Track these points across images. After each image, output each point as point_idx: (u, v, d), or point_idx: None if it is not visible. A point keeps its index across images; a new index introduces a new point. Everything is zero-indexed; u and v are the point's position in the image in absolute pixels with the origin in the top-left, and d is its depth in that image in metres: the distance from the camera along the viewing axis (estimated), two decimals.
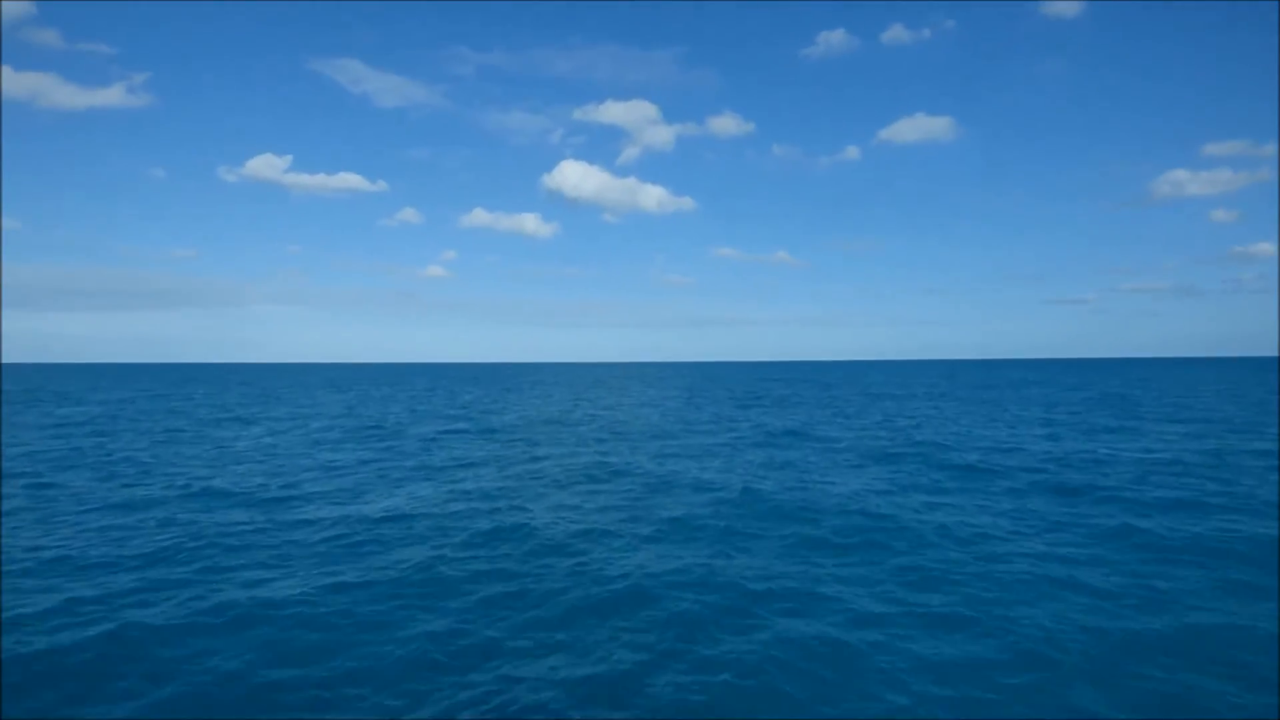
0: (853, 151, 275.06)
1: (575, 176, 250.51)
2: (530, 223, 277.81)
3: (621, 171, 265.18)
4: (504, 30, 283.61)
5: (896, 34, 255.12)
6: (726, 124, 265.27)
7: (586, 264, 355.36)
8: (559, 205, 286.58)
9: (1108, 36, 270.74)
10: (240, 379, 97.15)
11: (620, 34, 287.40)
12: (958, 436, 23.30)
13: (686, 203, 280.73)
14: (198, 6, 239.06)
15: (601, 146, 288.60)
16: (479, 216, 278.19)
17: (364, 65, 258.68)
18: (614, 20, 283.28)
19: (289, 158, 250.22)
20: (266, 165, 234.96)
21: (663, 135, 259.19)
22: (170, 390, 60.47)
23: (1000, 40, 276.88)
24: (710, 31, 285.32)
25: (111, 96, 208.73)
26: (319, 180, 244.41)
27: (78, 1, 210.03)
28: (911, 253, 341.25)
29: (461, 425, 28.27)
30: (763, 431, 25.19)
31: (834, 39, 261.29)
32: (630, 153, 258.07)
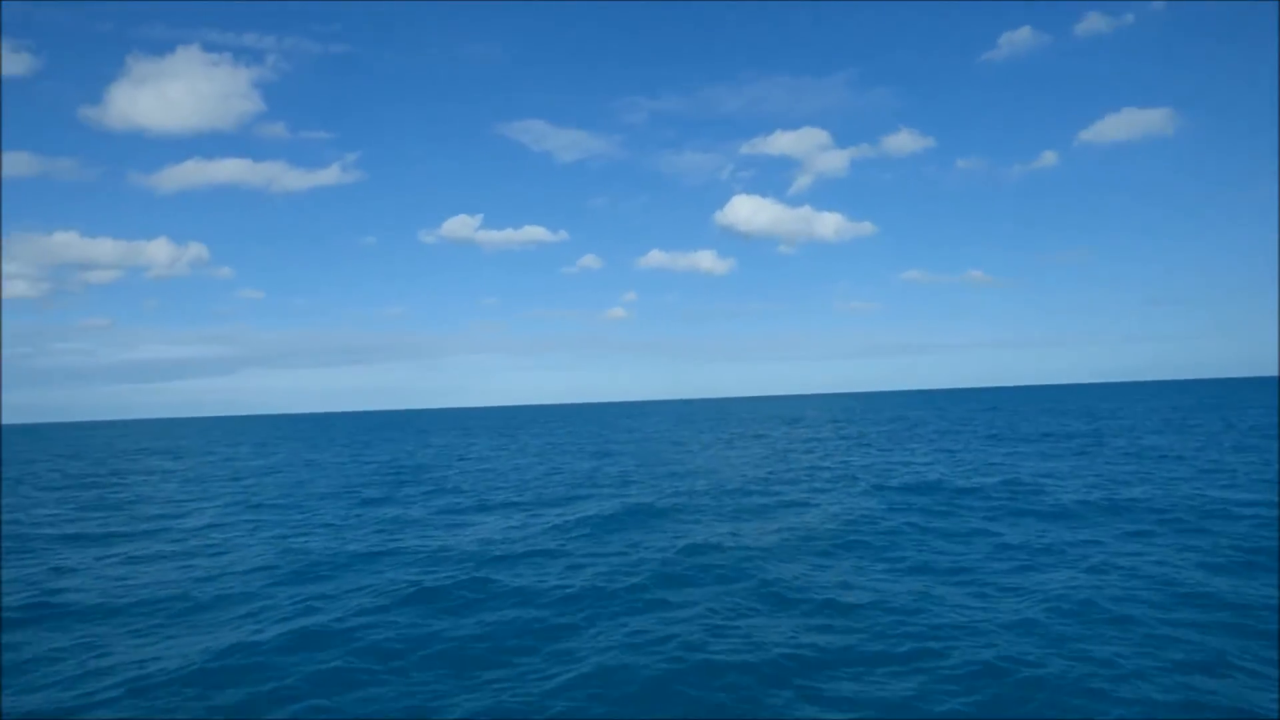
0: (1049, 157, 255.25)
1: (747, 211, 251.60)
2: (706, 260, 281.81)
3: (794, 201, 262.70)
4: (675, 75, 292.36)
5: (1092, 24, 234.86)
6: (903, 142, 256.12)
7: (765, 297, 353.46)
8: (733, 240, 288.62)
9: None
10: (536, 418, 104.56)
11: (790, 64, 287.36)
12: None
13: (865, 227, 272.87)
14: (401, 89, 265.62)
15: (772, 178, 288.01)
16: (655, 258, 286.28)
17: (546, 124, 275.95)
18: (784, 52, 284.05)
19: (480, 216, 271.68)
20: (460, 225, 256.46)
21: (835, 161, 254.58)
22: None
23: (1223, 17, 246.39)
24: (882, 50, 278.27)
25: (329, 176, 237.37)
26: (506, 235, 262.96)
27: (296, 96, 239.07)
28: (1130, 262, 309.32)
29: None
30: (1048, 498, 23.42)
31: (1019, 39, 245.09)
32: (802, 181, 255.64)
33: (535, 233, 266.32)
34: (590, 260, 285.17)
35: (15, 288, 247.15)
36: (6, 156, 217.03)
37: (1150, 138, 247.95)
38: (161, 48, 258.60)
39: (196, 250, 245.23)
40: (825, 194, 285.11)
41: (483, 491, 25.93)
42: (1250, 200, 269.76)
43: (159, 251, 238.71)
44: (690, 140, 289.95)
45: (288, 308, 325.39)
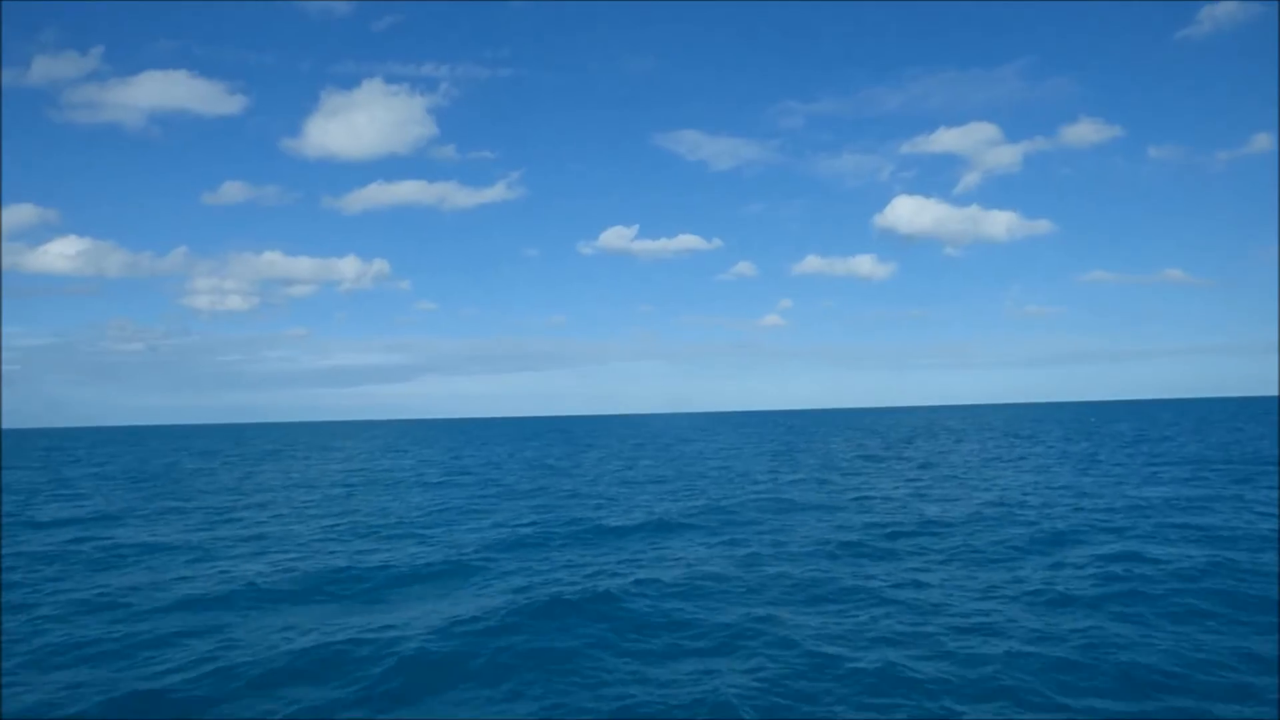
0: (1263, 141, 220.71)
1: (908, 212, 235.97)
2: (865, 265, 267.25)
3: (961, 201, 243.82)
4: (832, 76, 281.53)
5: None
6: (1084, 132, 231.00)
7: (930, 302, 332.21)
8: (894, 244, 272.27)
9: None
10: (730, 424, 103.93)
11: (957, 57, 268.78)
12: None
13: (1042, 225, 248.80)
14: (561, 106, 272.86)
15: (935, 177, 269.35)
16: (811, 264, 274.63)
17: (700, 133, 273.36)
18: (951, 44, 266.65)
19: (635, 227, 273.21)
20: (616, 236, 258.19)
21: (1006, 156, 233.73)
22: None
23: None
24: (1060, 35, 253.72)
25: (495, 194, 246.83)
26: (660, 244, 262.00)
27: (466, 119, 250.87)
28: None
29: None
30: None
31: (1221, 11, 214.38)
32: (969, 180, 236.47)
33: (689, 241, 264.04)
34: (744, 268, 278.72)
35: (231, 301, 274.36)
36: (225, 186, 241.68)
37: None
38: (349, 82, 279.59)
39: (380, 266, 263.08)
40: (995, 192, 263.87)
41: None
42: None
43: (348, 267, 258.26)
44: (849, 142, 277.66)
45: (458, 317, 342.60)
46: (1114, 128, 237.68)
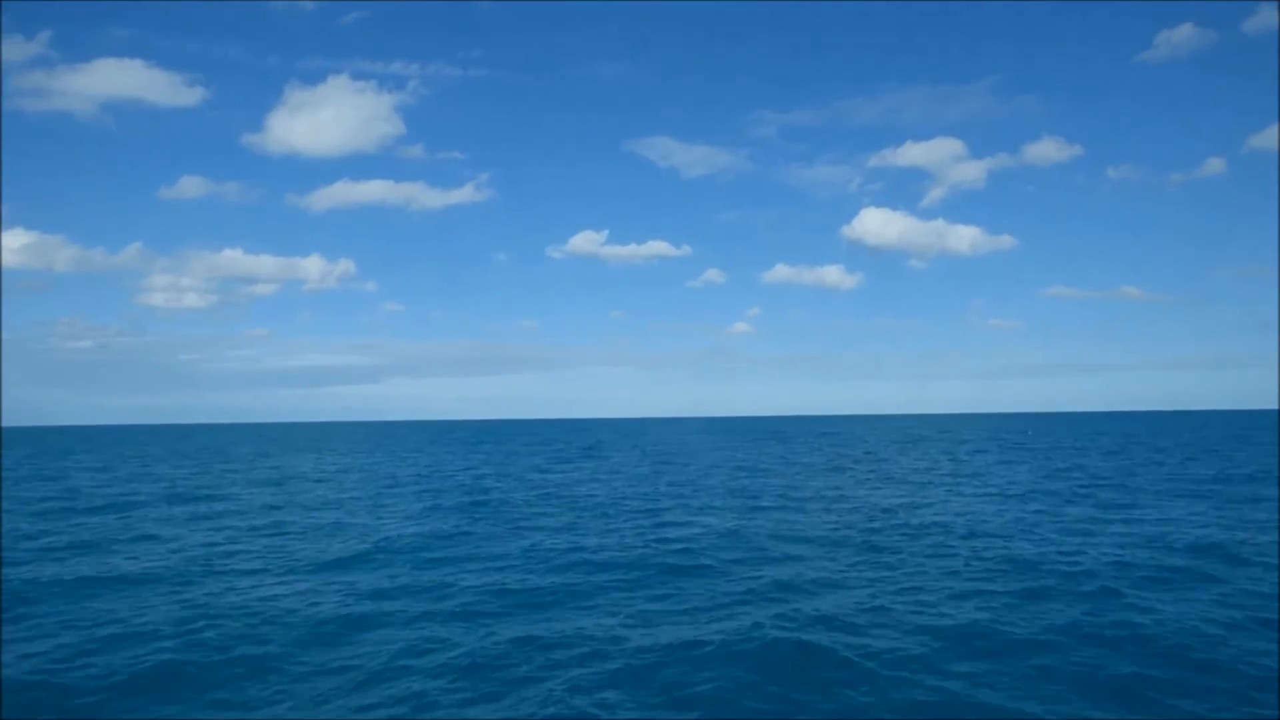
0: (1216, 164, 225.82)
1: (876, 224, 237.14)
2: (832, 275, 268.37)
3: (926, 214, 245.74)
4: (807, 88, 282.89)
5: (1264, 19, 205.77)
6: (1047, 150, 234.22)
7: (895, 313, 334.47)
8: (861, 255, 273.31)
9: None
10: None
11: (931, 72, 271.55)
12: None
13: (1005, 241, 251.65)
14: (533, 109, 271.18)
15: (902, 190, 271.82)
16: (781, 272, 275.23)
17: (673, 140, 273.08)
18: (926, 59, 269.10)
19: (605, 232, 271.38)
20: (586, 241, 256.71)
21: (971, 172, 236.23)
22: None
23: None
24: (1028, 55, 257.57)
25: (464, 195, 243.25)
26: (630, 250, 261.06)
27: (434, 119, 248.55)
28: None
29: None
30: None
31: (1177, 37, 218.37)
32: (935, 194, 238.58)
33: (659, 248, 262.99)
34: (714, 275, 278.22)
35: (189, 300, 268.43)
36: (183, 181, 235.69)
37: None
38: (315, 78, 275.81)
39: (345, 265, 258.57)
40: (960, 206, 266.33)
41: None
42: None
43: (312, 267, 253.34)
44: (820, 153, 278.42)
45: (427, 320, 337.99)
46: (1075, 147, 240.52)
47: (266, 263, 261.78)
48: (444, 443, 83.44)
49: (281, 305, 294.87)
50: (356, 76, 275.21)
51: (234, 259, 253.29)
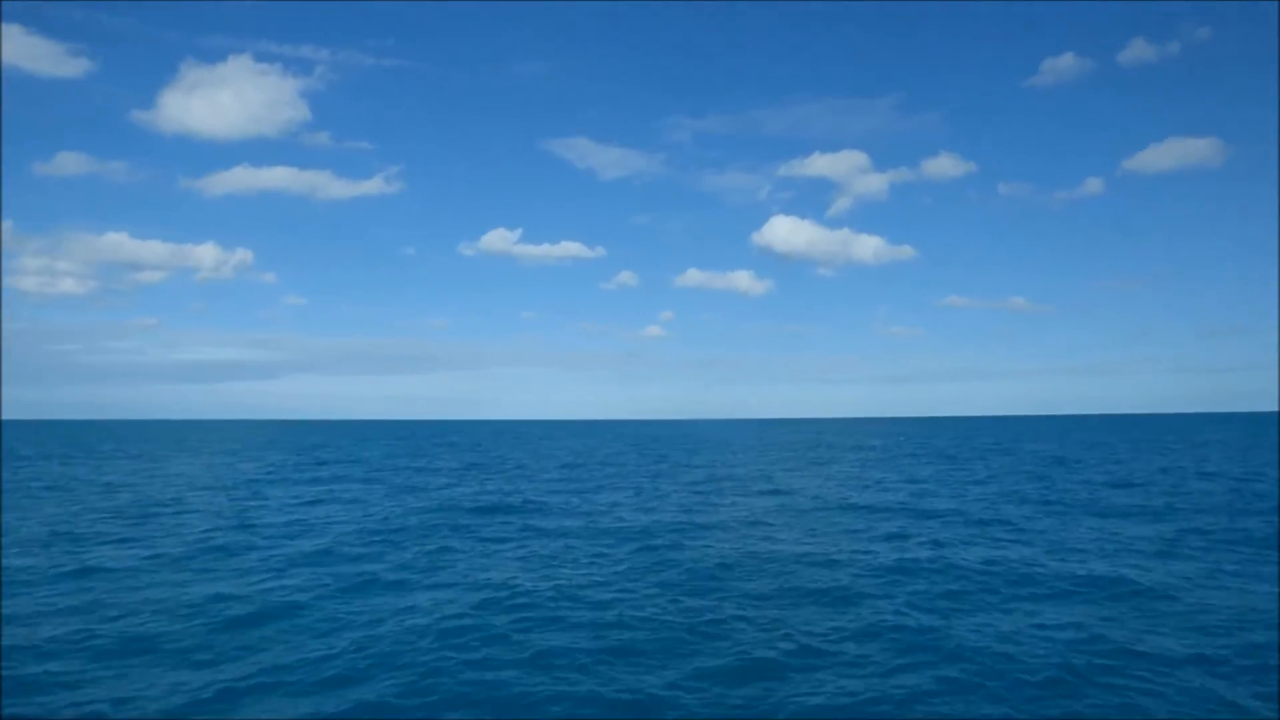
0: (1094, 185, 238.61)
1: (785, 231, 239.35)
2: (743, 280, 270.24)
3: (833, 224, 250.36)
4: (722, 96, 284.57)
5: (1137, 51, 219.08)
6: (944, 166, 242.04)
7: (803, 319, 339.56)
8: (770, 261, 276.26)
9: None
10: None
11: (840, 87, 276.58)
12: None
13: (906, 251, 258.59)
14: (448, 103, 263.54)
15: (810, 199, 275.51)
16: (693, 276, 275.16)
17: (590, 141, 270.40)
18: (836, 74, 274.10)
19: (519, 230, 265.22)
20: (499, 239, 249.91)
21: (874, 184, 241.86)
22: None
23: (1270, 44, 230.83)
24: (929, 74, 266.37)
25: (372, 187, 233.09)
26: (544, 250, 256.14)
27: (343, 107, 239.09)
28: (1179, 293, 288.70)
29: None
30: None
31: (1062, 65, 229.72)
32: (841, 204, 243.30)
33: (572, 248, 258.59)
34: (627, 277, 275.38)
35: (65, 285, 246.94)
36: (61, 157, 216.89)
37: (1197, 168, 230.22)
38: (214, 56, 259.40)
39: (242, 255, 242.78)
40: (865, 217, 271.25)
41: None
42: None
43: (206, 255, 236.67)
44: (734, 160, 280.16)
45: (330, 315, 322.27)
46: (969, 163, 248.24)
47: (155, 249, 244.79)
48: (280, 447, 77.61)
49: (171, 294, 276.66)
50: (260, 58, 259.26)
51: (118, 243, 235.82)
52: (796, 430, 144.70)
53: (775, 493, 27.85)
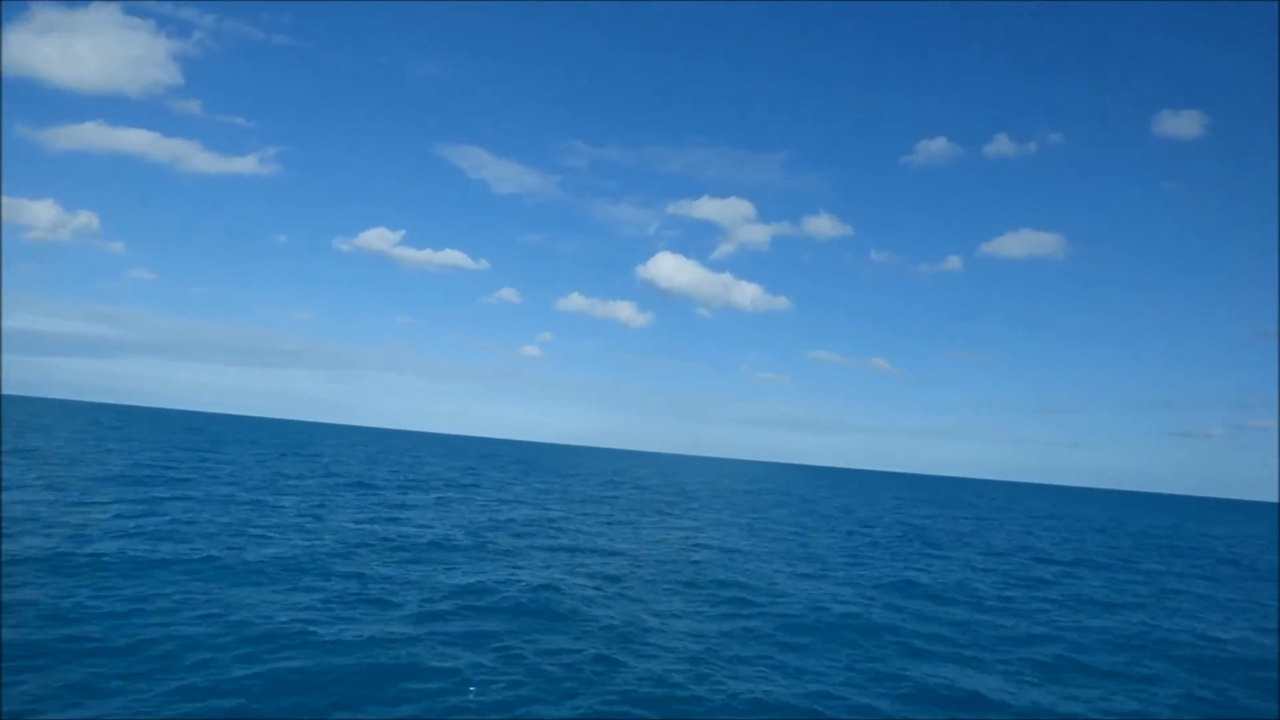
0: (954, 262, 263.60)
1: (669, 268, 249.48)
2: (624, 311, 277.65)
3: (716, 267, 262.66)
4: (622, 128, 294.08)
5: (1001, 146, 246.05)
6: (823, 225, 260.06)
7: (679, 356, 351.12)
8: (653, 296, 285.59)
9: (1230, 160, 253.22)
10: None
11: (735, 137, 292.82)
12: None
13: (781, 302, 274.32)
14: (339, 92, 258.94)
15: (697, 241, 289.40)
16: (575, 301, 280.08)
17: (486, 153, 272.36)
18: (733, 124, 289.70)
19: (401, 232, 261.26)
20: (379, 238, 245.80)
21: (758, 234, 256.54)
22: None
23: (1112, 158, 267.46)
24: (817, 136, 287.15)
25: (245, 165, 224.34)
26: (425, 255, 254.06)
27: (221, 77, 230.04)
28: (1021, 370, 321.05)
29: None
30: None
31: (935, 147, 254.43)
32: (725, 249, 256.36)
33: (455, 257, 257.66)
34: (509, 294, 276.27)
35: None
36: None
37: (1043, 259, 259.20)
38: (76, 1, 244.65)
39: (87, 219, 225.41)
40: (746, 264, 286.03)
41: None
42: (1133, 330, 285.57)
43: (43, 213, 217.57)
44: (628, 193, 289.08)
45: (184, 296, 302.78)
46: (846, 226, 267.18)
47: None
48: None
49: None
50: (131, 11, 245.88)
51: None
52: (656, 465, 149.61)
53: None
